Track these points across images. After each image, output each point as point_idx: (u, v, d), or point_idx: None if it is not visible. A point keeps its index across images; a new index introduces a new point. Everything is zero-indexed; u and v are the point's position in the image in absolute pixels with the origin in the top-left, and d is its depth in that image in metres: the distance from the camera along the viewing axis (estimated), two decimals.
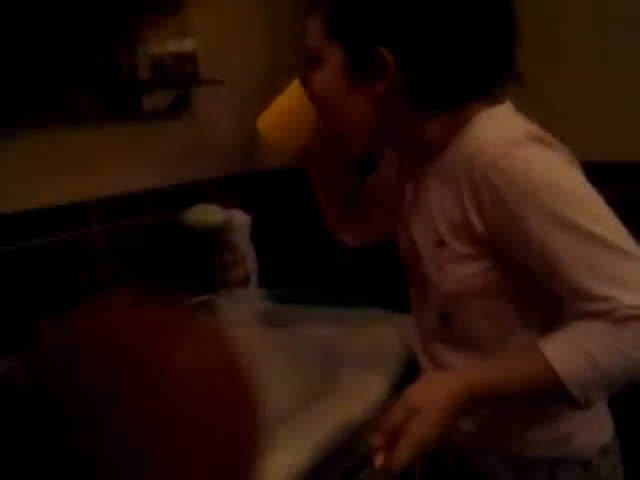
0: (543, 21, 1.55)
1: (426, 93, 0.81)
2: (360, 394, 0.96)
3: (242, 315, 1.32)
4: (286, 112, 0.94)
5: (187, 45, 1.33)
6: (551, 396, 0.76)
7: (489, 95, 0.82)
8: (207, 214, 1.34)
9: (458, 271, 0.82)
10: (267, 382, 1.05)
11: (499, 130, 0.79)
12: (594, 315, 0.72)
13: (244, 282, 1.37)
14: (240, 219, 1.38)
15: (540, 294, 0.80)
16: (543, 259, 0.75)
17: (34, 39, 1.10)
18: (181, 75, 1.33)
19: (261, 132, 0.95)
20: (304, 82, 0.91)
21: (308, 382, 1.06)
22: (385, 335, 1.15)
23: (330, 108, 0.87)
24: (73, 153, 1.19)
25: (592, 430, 0.88)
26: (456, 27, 0.78)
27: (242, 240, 1.38)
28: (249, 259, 1.39)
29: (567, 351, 0.72)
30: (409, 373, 1.02)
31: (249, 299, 1.37)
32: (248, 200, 1.46)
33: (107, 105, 1.28)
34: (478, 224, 0.78)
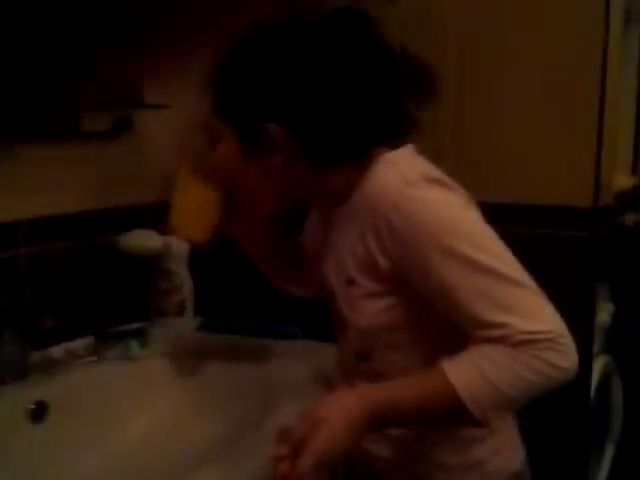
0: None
1: (322, 153, 0.85)
2: None
3: (176, 345, 1.28)
4: (191, 206, 0.99)
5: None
6: (451, 415, 0.77)
7: (389, 143, 0.87)
8: (144, 239, 1.31)
9: (368, 308, 0.86)
10: (194, 417, 1.03)
11: (397, 173, 0.83)
12: (492, 341, 0.75)
13: (179, 310, 1.34)
14: (178, 246, 1.35)
15: (446, 325, 0.82)
16: (442, 292, 0.79)
17: None
18: (125, 97, 1.30)
19: (178, 231, 1.01)
20: (206, 158, 0.96)
21: (240, 416, 1.03)
22: (322, 368, 1.13)
23: (232, 181, 0.93)
24: (4, 171, 1.15)
25: (504, 456, 0.92)
26: (337, 92, 0.82)
27: (179, 268, 1.35)
28: (185, 287, 1.36)
29: (467, 372, 0.75)
30: None
31: (184, 328, 1.34)
32: None
33: (43, 123, 1.24)
34: (383, 261, 0.82)
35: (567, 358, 0.75)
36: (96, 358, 1.16)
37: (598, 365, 1.73)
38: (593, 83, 1.50)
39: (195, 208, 0.98)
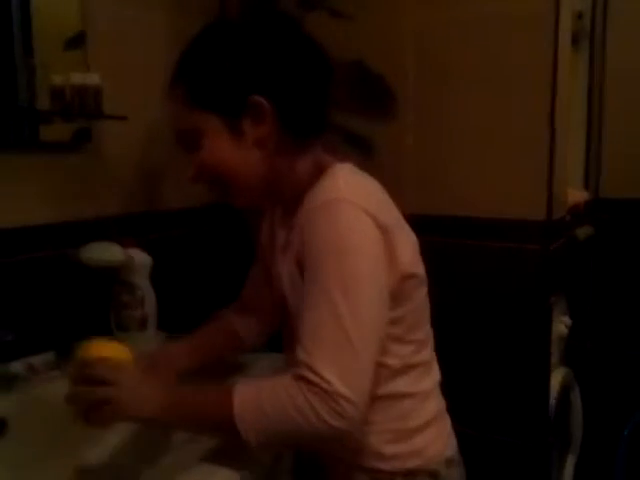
0: None
1: (294, 125, 0.91)
2: None
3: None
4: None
5: (92, 79, 1.29)
6: (224, 425, 0.81)
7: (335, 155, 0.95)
8: (106, 252, 1.28)
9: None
10: (158, 431, 0.99)
11: (330, 187, 0.87)
12: (293, 364, 0.81)
13: (142, 325, 1.31)
14: (140, 259, 1.33)
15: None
16: (302, 303, 0.84)
17: None
18: (84, 108, 1.28)
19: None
20: (193, 162, 0.93)
21: None
22: None
23: (227, 169, 0.92)
24: None
25: (439, 443, 0.98)
26: (299, 66, 0.91)
27: (141, 281, 1.32)
28: (148, 301, 1.33)
29: (251, 389, 0.82)
30: None
31: (146, 343, 1.31)
32: (148, 240, 1.40)
33: (2, 133, 1.20)
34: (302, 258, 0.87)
35: (337, 417, 0.76)
36: (57, 373, 1.12)
37: (557, 377, 1.76)
38: (544, 99, 1.55)
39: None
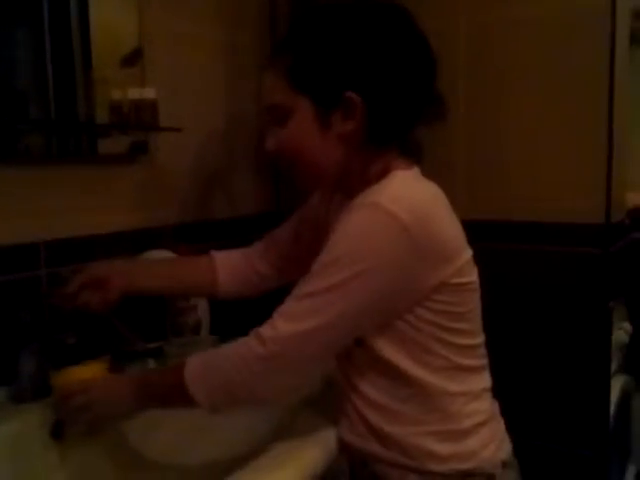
0: None
1: (381, 128, 0.92)
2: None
3: None
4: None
5: (149, 93, 1.34)
6: (182, 395, 0.86)
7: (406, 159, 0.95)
8: None
9: None
10: (210, 432, 1.03)
11: (379, 190, 0.88)
12: None
13: (195, 329, 1.35)
14: None
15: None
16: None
17: None
18: (140, 121, 1.33)
19: None
20: (271, 139, 0.95)
21: (256, 427, 1.04)
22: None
23: (304, 155, 0.94)
24: (23, 194, 1.17)
25: (494, 446, 0.95)
26: (406, 70, 0.91)
27: None
28: (201, 307, 1.37)
29: (200, 357, 0.87)
30: None
31: (201, 347, 1.35)
32: (202, 248, 1.44)
33: (61, 146, 1.27)
34: None
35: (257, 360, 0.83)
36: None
37: (617, 385, 1.71)
38: (601, 100, 1.51)
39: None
